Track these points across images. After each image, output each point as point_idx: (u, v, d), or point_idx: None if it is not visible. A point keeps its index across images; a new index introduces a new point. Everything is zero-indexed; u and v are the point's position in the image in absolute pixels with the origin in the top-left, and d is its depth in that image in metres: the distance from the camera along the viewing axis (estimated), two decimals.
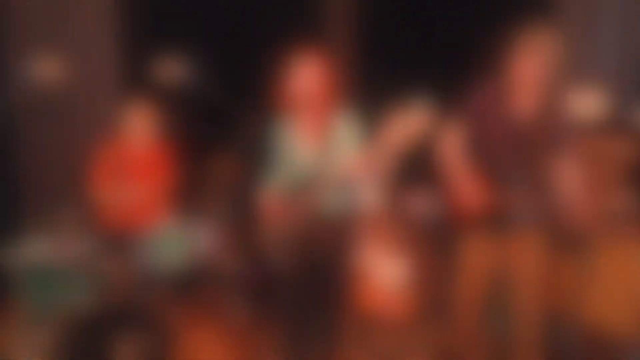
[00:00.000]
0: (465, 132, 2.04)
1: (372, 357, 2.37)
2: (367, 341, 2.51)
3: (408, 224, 2.98)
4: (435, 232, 2.95)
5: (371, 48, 3.45)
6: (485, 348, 2.41)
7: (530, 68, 1.82)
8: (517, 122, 1.91)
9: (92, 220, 2.40)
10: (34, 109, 2.94)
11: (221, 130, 2.46)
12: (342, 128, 1.88)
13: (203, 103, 2.39)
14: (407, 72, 3.30)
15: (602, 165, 2.17)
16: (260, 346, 2.44)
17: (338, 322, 2.12)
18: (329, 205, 1.90)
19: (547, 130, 1.87)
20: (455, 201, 2.03)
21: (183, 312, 2.51)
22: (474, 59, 2.28)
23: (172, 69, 2.25)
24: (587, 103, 2.41)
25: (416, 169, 2.47)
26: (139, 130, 2.52)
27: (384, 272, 2.79)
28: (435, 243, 2.97)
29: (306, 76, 1.81)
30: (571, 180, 1.86)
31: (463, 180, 2.00)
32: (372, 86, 3.48)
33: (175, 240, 2.28)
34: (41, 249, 2.22)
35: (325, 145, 1.86)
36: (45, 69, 2.03)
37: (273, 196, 1.95)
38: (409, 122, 1.54)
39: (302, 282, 1.97)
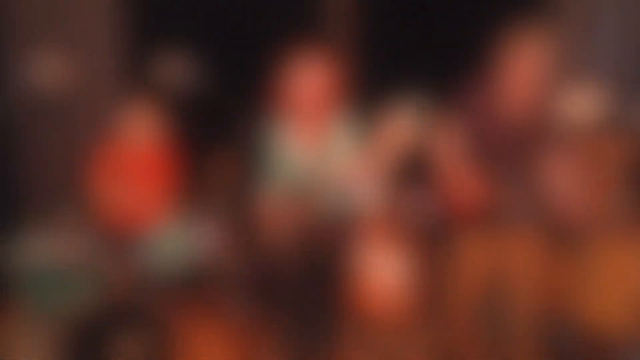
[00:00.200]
0: (462, 132, 2.06)
1: (372, 356, 2.38)
2: (366, 341, 2.53)
3: (406, 224, 2.99)
4: (433, 232, 2.97)
5: (369, 49, 3.46)
6: (484, 347, 2.43)
7: (527, 67, 1.83)
8: (514, 121, 1.93)
9: (94, 220, 2.41)
10: (34, 108, 2.95)
11: (221, 130, 2.47)
12: (340, 129, 1.89)
13: (203, 103, 2.40)
14: (405, 74, 3.32)
15: (599, 165, 2.19)
16: (260, 345, 2.45)
17: (337, 322, 2.13)
18: (327, 206, 1.91)
19: (544, 129, 1.89)
20: (452, 201, 2.04)
21: (184, 311, 2.53)
22: (472, 59, 2.29)
23: (173, 70, 2.26)
24: (585, 102, 2.43)
25: (414, 169, 2.49)
26: (140, 130, 2.53)
27: (382, 272, 2.81)
28: (434, 243, 2.98)
29: (305, 77, 1.82)
30: (568, 180, 1.88)
31: (460, 180, 2.02)
32: (369, 87, 3.50)
33: (176, 240, 2.29)
34: (42, 249, 2.23)
35: (324, 146, 1.87)
36: (46, 69, 2.04)
37: (272, 197, 1.96)
38: (406, 123, 1.55)
39: (302, 282, 1.98)
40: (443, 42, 3.23)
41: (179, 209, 2.73)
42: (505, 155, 1.92)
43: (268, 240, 1.99)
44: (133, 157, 2.53)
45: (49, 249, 2.21)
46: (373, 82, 3.49)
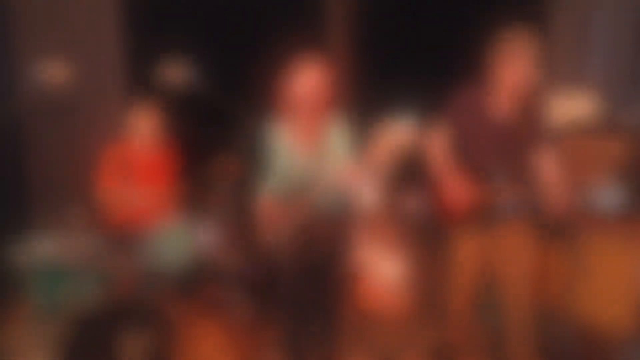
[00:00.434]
0: (453, 134, 2.09)
1: (370, 353, 2.41)
2: (364, 338, 2.55)
3: (401, 224, 3.02)
4: (427, 231, 2.99)
5: (366, 54, 3.52)
6: (479, 344, 2.45)
7: (517, 71, 1.86)
8: (503, 122, 1.96)
9: (98, 220, 2.44)
10: (41, 111, 2.99)
11: (222, 132, 2.50)
12: (336, 131, 1.92)
13: (205, 106, 2.43)
14: (399, 78, 3.38)
15: (590, 164, 2.22)
16: (261, 344, 2.48)
17: (336, 320, 2.16)
18: (325, 207, 1.94)
19: (533, 129, 1.92)
20: (445, 200, 2.07)
21: (186, 309, 2.55)
22: (463, 63, 2.34)
23: (175, 73, 2.29)
24: (574, 104, 2.46)
25: (407, 170, 2.52)
26: (143, 132, 2.57)
27: (379, 272, 2.83)
28: (428, 242, 3.01)
29: (304, 80, 1.85)
30: (560, 178, 1.90)
31: (453, 180, 2.05)
32: (365, 92, 3.55)
33: (178, 240, 2.31)
34: (48, 248, 2.25)
35: (320, 148, 1.90)
36: (52, 73, 2.07)
37: (271, 197, 1.99)
38: (402, 123, 1.58)
39: (301, 281, 2.01)
40: (439, 44, 3.27)
41: (181, 209, 2.76)
42: (496, 155, 1.94)
43: (268, 239, 2.01)
44: (137, 158, 2.57)
45: (56, 248, 2.24)
46: (369, 87, 3.54)
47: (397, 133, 1.58)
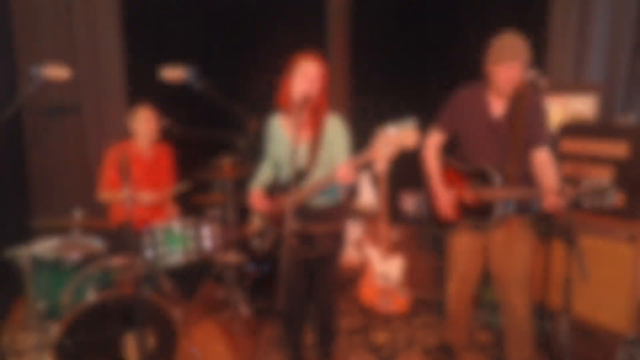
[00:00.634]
0: (453, 134, 2.10)
1: (369, 352, 2.41)
2: (363, 337, 2.55)
3: (399, 223, 3.03)
4: (425, 230, 3.00)
5: (365, 55, 3.53)
6: (478, 342, 2.45)
7: (516, 71, 1.87)
8: (503, 122, 1.96)
9: (100, 219, 2.44)
10: (44, 113, 3.00)
11: (222, 131, 2.50)
12: (334, 132, 1.92)
13: (204, 105, 2.43)
14: (397, 81, 3.39)
15: (590, 164, 2.22)
16: (261, 342, 2.48)
17: (335, 320, 2.16)
18: (323, 206, 1.95)
19: (533, 129, 1.92)
20: (444, 200, 2.08)
21: (187, 309, 2.55)
22: (463, 64, 2.35)
23: (175, 73, 2.28)
24: (574, 104, 2.47)
25: (405, 170, 2.52)
26: (144, 133, 2.57)
27: (378, 271, 2.84)
28: (426, 241, 3.02)
29: (304, 81, 1.85)
30: (559, 178, 1.90)
31: (450, 180, 2.06)
32: (364, 92, 3.56)
33: (180, 239, 2.31)
34: (50, 247, 2.26)
35: (319, 148, 1.90)
36: (54, 75, 2.07)
37: (270, 194, 1.99)
38: (400, 124, 1.58)
39: (300, 281, 2.01)
40: (439, 44, 3.28)
41: (182, 209, 2.77)
42: (498, 154, 1.94)
43: (267, 238, 2.02)
44: (139, 158, 2.57)
45: (58, 247, 2.24)
46: (368, 87, 3.55)
47: (397, 133, 1.58)
